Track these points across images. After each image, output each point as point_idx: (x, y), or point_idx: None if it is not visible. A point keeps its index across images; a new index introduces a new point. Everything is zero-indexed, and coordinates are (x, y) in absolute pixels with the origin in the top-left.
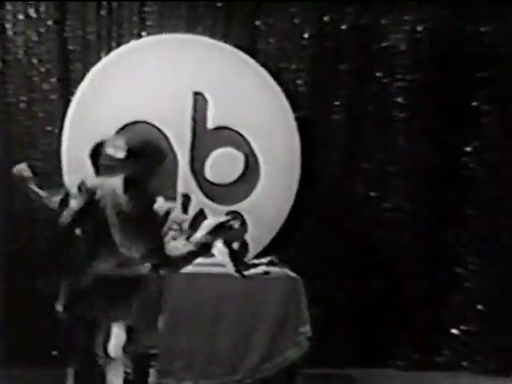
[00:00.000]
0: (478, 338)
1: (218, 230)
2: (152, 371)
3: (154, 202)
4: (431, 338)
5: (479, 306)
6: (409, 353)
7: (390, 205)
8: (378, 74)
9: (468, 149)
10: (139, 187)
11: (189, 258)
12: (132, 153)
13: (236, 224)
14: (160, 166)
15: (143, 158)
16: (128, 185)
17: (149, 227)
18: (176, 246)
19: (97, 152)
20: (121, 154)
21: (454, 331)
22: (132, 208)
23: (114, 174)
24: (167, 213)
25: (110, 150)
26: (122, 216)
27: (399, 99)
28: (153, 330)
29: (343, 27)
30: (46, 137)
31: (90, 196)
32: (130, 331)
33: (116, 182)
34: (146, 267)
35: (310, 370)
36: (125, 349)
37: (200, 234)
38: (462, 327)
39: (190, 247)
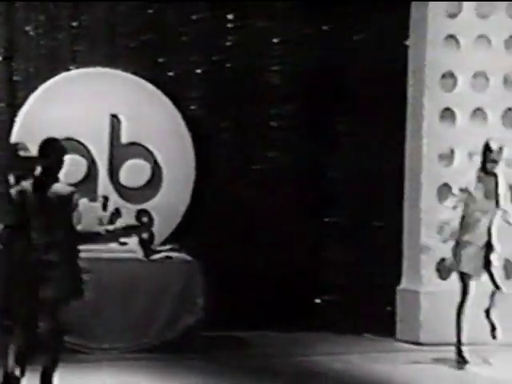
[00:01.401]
0: (338, 306)
1: (129, 230)
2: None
3: (60, 194)
4: (302, 306)
5: (338, 280)
6: (285, 318)
7: (267, 204)
8: (257, 101)
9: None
10: (47, 182)
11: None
12: (40, 150)
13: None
14: (62, 159)
15: (49, 153)
16: (37, 182)
17: (59, 216)
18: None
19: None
20: (29, 153)
21: (318, 300)
22: (42, 202)
23: (27, 173)
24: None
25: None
26: (37, 209)
27: (273, 123)
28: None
29: (228, 65)
30: None
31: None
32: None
33: (28, 183)
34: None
35: (205, 333)
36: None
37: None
38: (325, 297)
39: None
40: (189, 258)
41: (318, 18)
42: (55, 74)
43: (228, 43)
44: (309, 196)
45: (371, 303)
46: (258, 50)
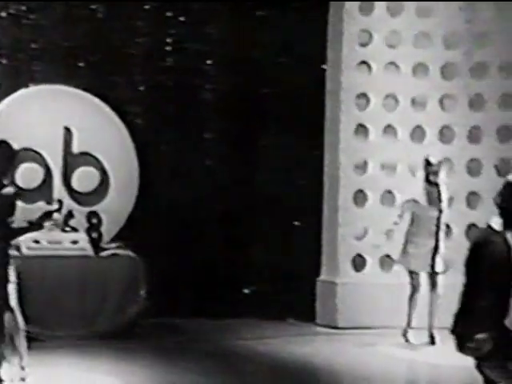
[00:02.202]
0: (264, 295)
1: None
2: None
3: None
4: (231, 295)
5: (265, 273)
6: (216, 306)
7: (202, 207)
8: (193, 115)
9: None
10: None
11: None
12: None
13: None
14: (12, 161)
15: None
16: None
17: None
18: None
19: None
20: None
21: (246, 290)
22: None
23: None
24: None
25: None
26: None
27: (207, 135)
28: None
29: (167, 84)
30: None
31: None
32: None
33: None
34: None
35: (147, 321)
36: None
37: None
38: (252, 287)
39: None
40: (133, 254)
41: (247, 44)
42: (15, 91)
43: (167, 64)
44: (239, 199)
45: (294, 292)
46: (193, 71)
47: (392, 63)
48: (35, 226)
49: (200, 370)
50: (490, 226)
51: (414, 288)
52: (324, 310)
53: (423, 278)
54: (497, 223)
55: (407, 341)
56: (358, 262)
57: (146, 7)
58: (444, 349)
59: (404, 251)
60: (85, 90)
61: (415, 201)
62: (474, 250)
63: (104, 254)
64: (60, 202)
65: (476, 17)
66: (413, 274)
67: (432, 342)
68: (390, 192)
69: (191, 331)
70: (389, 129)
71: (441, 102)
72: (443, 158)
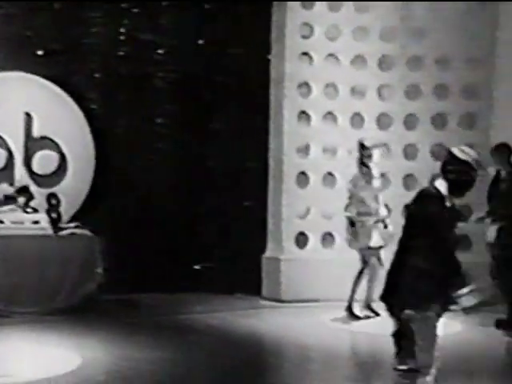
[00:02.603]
0: (214, 271)
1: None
2: None
3: None
4: (184, 272)
5: (215, 250)
6: (171, 282)
7: (155, 188)
8: (146, 101)
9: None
10: None
11: None
12: None
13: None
14: None
15: None
16: None
17: None
18: None
19: None
20: None
21: (197, 267)
22: None
23: None
24: None
25: None
26: None
27: (159, 120)
28: None
29: (121, 71)
30: None
31: None
32: None
33: None
34: None
35: (105, 297)
36: None
37: None
38: (203, 264)
39: None
40: (90, 233)
41: (197, 33)
42: None
43: (121, 53)
44: (190, 181)
45: (241, 269)
46: (145, 59)
47: (332, 55)
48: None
49: (156, 343)
50: (435, 188)
51: (365, 264)
52: (269, 285)
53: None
54: (441, 185)
55: (352, 314)
56: (301, 240)
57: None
58: (384, 320)
59: (350, 230)
60: (44, 77)
61: (354, 182)
62: (419, 201)
63: (63, 233)
64: (24, 187)
65: (411, 13)
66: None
67: (376, 314)
68: (330, 174)
69: (147, 306)
70: (329, 115)
71: (379, 91)
72: (378, 142)
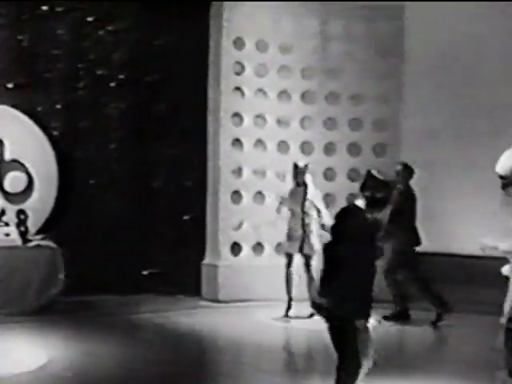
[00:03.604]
0: (160, 275)
1: None
2: None
3: None
4: (133, 276)
5: (161, 258)
6: (122, 285)
7: (110, 204)
8: (99, 133)
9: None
10: None
11: None
12: None
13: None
14: None
15: None
16: None
17: None
18: None
19: None
20: None
21: (145, 272)
22: None
23: None
24: None
25: None
26: None
27: (111, 145)
28: None
29: (80, 105)
30: None
31: None
32: None
33: None
34: None
35: (67, 299)
36: None
37: None
38: (150, 269)
39: None
40: (53, 245)
41: (145, 69)
42: None
43: (80, 85)
44: (139, 198)
45: (184, 274)
46: (100, 91)
47: (261, 89)
48: None
49: (109, 340)
50: (355, 205)
51: (289, 265)
52: (208, 288)
53: (297, 259)
54: (361, 204)
55: (287, 315)
56: (235, 249)
57: (64, 38)
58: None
59: (286, 237)
60: (13, 106)
61: (284, 199)
62: (343, 216)
63: (30, 244)
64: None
65: (328, 55)
66: (289, 255)
67: (312, 315)
68: (260, 193)
69: (101, 306)
70: (259, 142)
71: (301, 122)
72: (309, 163)
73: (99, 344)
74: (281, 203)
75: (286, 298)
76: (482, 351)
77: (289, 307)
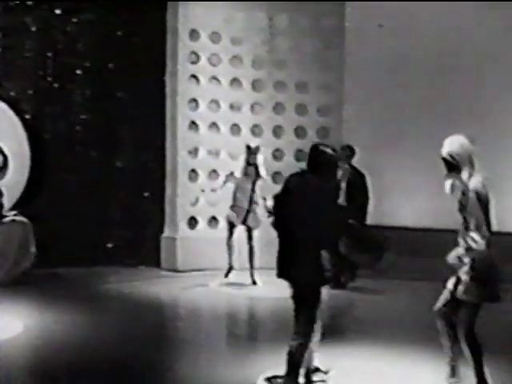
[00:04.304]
0: (124, 248)
1: None
2: None
3: None
4: (100, 249)
5: (123, 232)
6: (89, 258)
7: (76, 183)
8: (66, 113)
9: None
10: None
11: None
12: None
13: None
14: None
15: None
16: None
17: None
18: None
19: None
20: None
21: (110, 245)
22: None
23: None
24: None
25: None
26: None
27: (78, 127)
28: None
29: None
30: None
31: None
32: None
33: None
34: None
35: (38, 271)
36: None
37: None
38: (115, 243)
39: None
40: (26, 220)
41: (108, 58)
42: None
43: (48, 72)
44: (104, 177)
45: (145, 246)
46: (67, 77)
47: (215, 77)
48: None
49: (78, 309)
50: (304, 170)
51: (230, 235)
52: (167, 259)
53: (240, 231)
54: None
55: (230, 269)
56: (192, 223)
57: (33, 30)
58: (261, 287)
59: (230, 209)
60: None
61: (234, 175)
62: (293, 181)
63: (5, 220)
64: None
65: (276, 47)
66: (232, 225)
67: (254, 283)
68: (214, 171)
69: (70, 278)
70: (213, 125)
71: (252, 107)
72: (258, 145)
73: (69, 314)
74: (225, 182)
75: (236, 266)
76: (424, 314)
77: (228, 272)
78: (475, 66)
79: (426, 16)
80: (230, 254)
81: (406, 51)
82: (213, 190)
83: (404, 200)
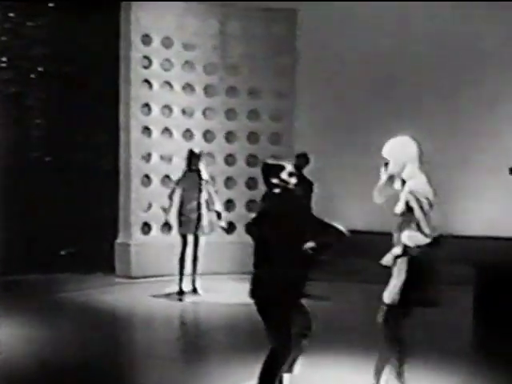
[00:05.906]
0: (78, 255)
1: None
2: None
3: None
4: (54, 256)
5: (78, 239)
6: (45, 265)
7: (29, 186)
8: (21, 117)
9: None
10: None
11: None
12: None
13: None
14: None
15: None
16: None
17: None
18: None
19: None
20: None
21: (63, 252)
22: None
23: None
24: None
25: None
26: None
27: (38, 121)
28: None
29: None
30: None
31: None
32: None
33: None
34: None
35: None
36: None
37: None
38: (68, 250)
39: None
40: None
41: (63, 63)
42: None
43: (4, 77)
44: (59, 182)
45: (100, 253)
46: (21, 82)
47: (167, 82)
48: None
49: (35, 319)
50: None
51: (184, 248)
52: (121, 265)
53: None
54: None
55: (182, 292)
56: (145, 229)
57: None
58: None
59: (179, 217)
60: None
61: (171, 179)
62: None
63: None
64: None
65: (228, 53)
66: (184, 238)
67: (195, 290)
68: (167, 177)
69: (27, 286)
70: (166, 130)
71: (204, 112)
72: (204, 151)
73: (25, 325)
74: (172, 193)
75: (188, 273)
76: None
77: (180, 294)
78: (418, 71)
79: (381, 20)
80: (181, 278)
81: (356, 56)
82: (166, 212)
83: (352, 203)
